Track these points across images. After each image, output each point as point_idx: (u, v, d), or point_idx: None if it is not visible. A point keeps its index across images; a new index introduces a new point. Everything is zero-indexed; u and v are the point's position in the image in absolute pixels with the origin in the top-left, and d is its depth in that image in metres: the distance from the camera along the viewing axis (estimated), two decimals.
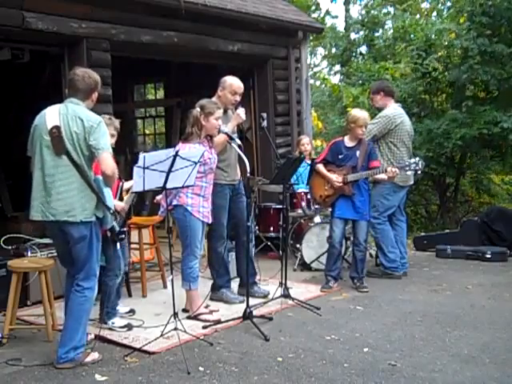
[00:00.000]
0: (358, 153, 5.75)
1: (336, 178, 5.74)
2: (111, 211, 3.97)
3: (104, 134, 3.86)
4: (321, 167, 5.90)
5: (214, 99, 5.20)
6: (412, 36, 9.94)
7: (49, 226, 4.01)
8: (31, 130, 3.97)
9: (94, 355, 4.02)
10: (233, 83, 5.31)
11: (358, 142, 5.79)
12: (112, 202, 4.04)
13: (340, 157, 5.81)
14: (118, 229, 4.52)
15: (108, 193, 4.00)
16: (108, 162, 3.84)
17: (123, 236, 4.75)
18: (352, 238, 6.17)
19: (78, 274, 3.94)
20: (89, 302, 3.96)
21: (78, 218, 3.82)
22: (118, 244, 4.73)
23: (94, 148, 3.80)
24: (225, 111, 5.18)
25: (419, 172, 5.93)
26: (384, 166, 5.85)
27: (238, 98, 5.36)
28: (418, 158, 5.79)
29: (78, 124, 3.80)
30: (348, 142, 5.85)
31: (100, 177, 3.95)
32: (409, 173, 5.89)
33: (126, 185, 4.73)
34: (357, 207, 5.74)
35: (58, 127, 3.79)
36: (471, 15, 8.95)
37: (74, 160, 3.80)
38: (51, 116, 3.85)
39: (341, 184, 5.72)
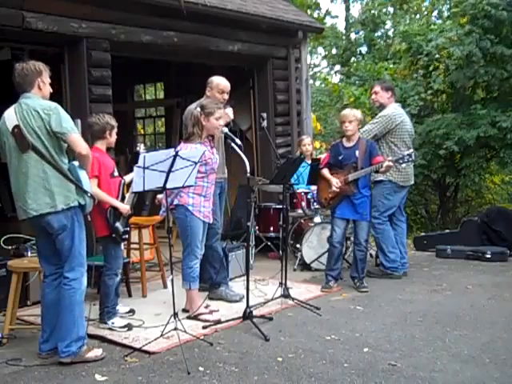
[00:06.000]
0: (357, 152, 5.75)
1: (336, 182, 5.76)
2: (89, 194, 3.96)
3: (63, 116, 3.82)
4: (325, 171, 5.93)
5: (202, 100, 5.22)
6: (414, 39, 9.90)
7: (32, 223, 4.00)
8: None
9: (97, 351, 4.03)
10: (219, 82, 5.41)
11: (357, 142, 5.81)
12: (89, 186, 4.02)
13: (340, 158, 5.84)
14: (122, 229, 4.53)
15: (85, 177, 3.97)
16: (79, 143, 3.84)
17: (127, 236, 4.76)
18: (352, 238, 6.19)
19: (63, 265, 3.94)
20: (78, 294, 3.95)
21: (60, 207, 3.84)
22: (122, 244, 4.75)
23: (59, 134, 3.80)
24: None
25: (413, 163, 5.84)
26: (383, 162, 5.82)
27: (226, 97, 5.44)
28: (411, 150, 5.79)
29: (35, 116, 3.80)
30: (346, 142, 5.87)
31: (75, 162, 3.94)
32: (403, 165, 5.84)
33: (127, 178, 4.72)
34: (357, 208, 5.74)
35: (18, 126, 3.81)
36: (473, 18, 8.91)
37: (42, 153, 3.80)
38: (9, 117, 3.87)
39: (338, 188, 5.74)
